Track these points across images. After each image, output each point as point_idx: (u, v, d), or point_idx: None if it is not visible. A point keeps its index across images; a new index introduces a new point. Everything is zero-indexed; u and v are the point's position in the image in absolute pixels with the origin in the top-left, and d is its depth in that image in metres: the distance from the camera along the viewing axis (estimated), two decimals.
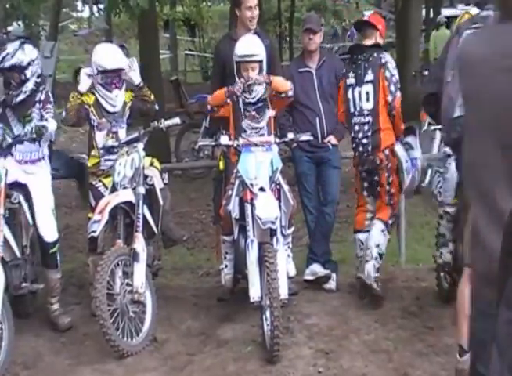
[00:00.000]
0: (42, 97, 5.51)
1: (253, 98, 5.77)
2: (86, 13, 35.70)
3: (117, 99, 5.89)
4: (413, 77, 13.79)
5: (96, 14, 32.76)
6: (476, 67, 2.01)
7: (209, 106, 5.96)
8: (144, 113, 6.15)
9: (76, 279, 6.61)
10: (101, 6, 25.99)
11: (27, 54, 5.34)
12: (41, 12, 17.36)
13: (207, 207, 8.93)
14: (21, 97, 5.36)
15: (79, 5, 36.13)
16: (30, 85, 5.37)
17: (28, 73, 5.34)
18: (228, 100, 5.80)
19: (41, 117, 5.48)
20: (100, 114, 5.92)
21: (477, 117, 2.02)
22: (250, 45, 5.77)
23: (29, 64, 5.33)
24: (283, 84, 5.80)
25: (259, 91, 5.75)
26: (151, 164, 5.88)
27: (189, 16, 26.78)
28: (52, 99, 5.59)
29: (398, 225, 6.63)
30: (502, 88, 1.90)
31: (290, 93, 5.82)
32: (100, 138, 5.86)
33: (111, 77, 5.83)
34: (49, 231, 5.49)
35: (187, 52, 28.47)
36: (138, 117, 6.21)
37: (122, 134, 5.89)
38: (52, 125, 5.46)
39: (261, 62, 5.75)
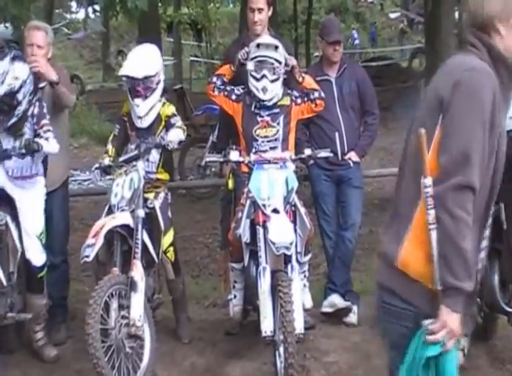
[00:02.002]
0: (35, 110, 5.49)
1: (269, 100, 5.82)
2: (81, 15, 35.94)
3: (140, 109, 5.76)
4: None
5: (92, 16, 32.96)
6: None
7: (210, 78, 6.11)
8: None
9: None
10: (97, 7, 26.14)
11: (18, 76, 5.29)
12: (32, 14, 17.42)
13: (213, 231, 8.94)
14: (13, 120, 5.36)
15: (73, 5, 36.38)
16: (22, 108, 5.36)
17: (20, 96, 5.32)
18: (234, 97, 5.95)
19: (35, 133, 5.49)
20: (132, 126, 5.92)
21: None
22: (271, 39, 5.90)
23: (21, 87, 5.31)
24: (313, 82, 6.01)
25: (276, 92, 5.81)
26: (165, 252, 5.87)
27: (196, 19, 26.92)
28: (46, 114, 5.57)
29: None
30: None
31: (323, 94, 5.98)
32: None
33: (135, 84, 5.74)
34: (37, 254, 5.51)
35: (193, 58, 28.63)
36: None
37: (152, 156, 5.83)
38: (51, 147, 5.45)
39: (280, 64, 5.81)
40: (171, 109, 5.92)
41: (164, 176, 6.05)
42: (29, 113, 5.46)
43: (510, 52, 2.95)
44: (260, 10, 6.22)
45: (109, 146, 5.99)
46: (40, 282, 5.59)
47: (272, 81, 5.80)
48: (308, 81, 6.03)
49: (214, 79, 6.08)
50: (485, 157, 2.81)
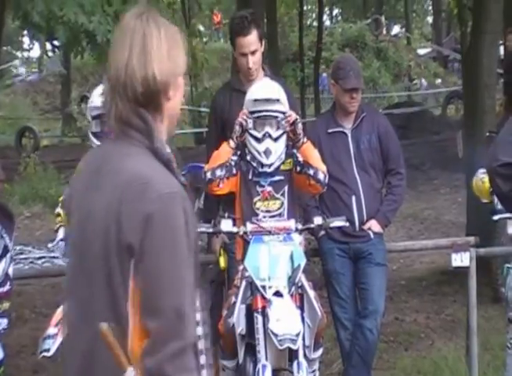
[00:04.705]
0: None
1: (269, 165, 5.76)
2: (36, 52, 36.30)
3: None
4: (487, 140, 13.85)
5: (50, 54, 33.28)
6: None
7: (209, 173, 5.81)
8: None
9: None
10: (56, 42, 26.42)
11: None
12: None
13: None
14: None
15: (26, 41, 36.75)
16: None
17: None
18: (234, 170, 5.77)
19: None
20: None
21: None
22: (270, 90, 5.72)
23: None
24: (316, 156, 5.79)
25: (279, 152, 5.73)
26: None
27: None
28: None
29: (469, 348, 6.64)
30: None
31: (322, 177, 5.75)
32: None
33: (103, 123, 5.65)
34: None
35: None
36: None
37: None
38: None
39: (285, 114, 5.67)
40: None
41: None
42: None
43: (171, 127, 3.10)
44: (253, 52, 6.14)
45: None
46: None
47: (276, 139, 5.67)
48: (309, 153, 5.77)
49: (210, 175, 5.79)
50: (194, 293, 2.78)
